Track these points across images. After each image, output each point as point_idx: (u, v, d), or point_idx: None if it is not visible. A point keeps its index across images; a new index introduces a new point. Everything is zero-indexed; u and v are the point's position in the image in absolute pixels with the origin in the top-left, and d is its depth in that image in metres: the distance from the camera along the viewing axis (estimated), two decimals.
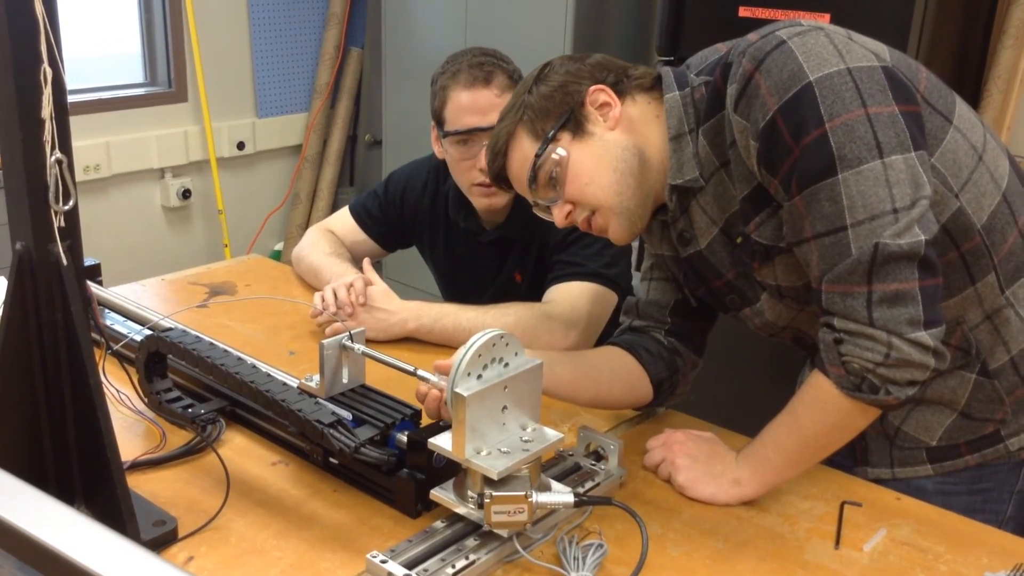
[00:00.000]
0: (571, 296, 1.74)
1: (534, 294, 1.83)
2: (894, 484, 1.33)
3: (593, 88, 1.27)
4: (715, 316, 1.48)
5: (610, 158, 1.26)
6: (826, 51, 1.13)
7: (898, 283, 1.09)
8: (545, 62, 1.33)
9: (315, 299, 1.77)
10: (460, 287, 2.01)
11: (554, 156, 1.26)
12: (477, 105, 1.74)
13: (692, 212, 1.30)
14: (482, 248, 1.94)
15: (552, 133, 1.26)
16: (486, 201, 1.81)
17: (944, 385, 1.27)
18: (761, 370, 2.45)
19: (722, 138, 1.22)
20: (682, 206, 1.30)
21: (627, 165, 1.26)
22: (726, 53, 1.23)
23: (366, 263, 1.81)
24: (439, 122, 1.81)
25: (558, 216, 1.30)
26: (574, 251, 1.78)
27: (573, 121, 1.27)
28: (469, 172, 1.79)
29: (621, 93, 1.28)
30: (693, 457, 1.28)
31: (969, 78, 2.90)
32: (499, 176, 1.36)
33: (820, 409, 1.17)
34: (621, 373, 1.41)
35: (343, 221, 2.06)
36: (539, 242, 1.86)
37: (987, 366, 1.27)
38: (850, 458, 1.38)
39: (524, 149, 1.29)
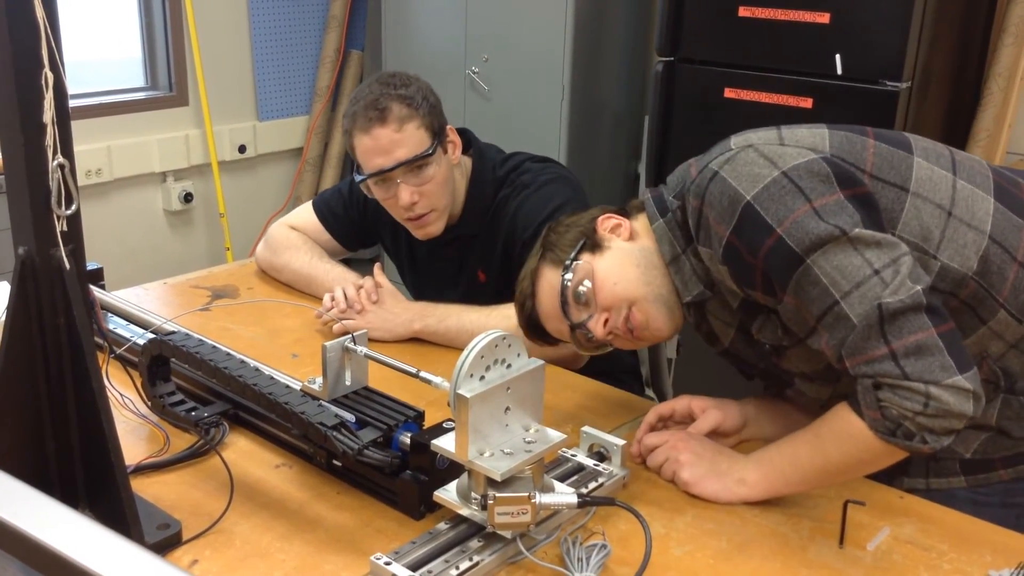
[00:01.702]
0: None
1: (501, 294, 1.79)
2: (927, 495, 1.32)
3: (602, 217, 1.38)
4: None
5: (632, 258, 1.34)
6: (755, 167, 1.19)
7: (915, 335, 1.10)
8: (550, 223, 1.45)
9: (324, 299, 1.79)
10: (424, 287, 1.98)
11: (580, 274, 1.32)
12: (380, 146, 1.72)
13: (709, 318, 1.37)
14: (442, 248, 1.91)
15: (573, 255, 1.34)
16: (422, 232, 1.82)
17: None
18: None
19: (702, 262, 1.30)
20: (699, 314, 1.36)
21: (649, 260, 1.33)
22: (689, 177, 1.31)
23: (377, 267, 1.83)
24: (356, 167, 1.80)
25: (596, 328, 1.33)
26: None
27: (590, 244, 1.35)
28: (396, 210, 1.79)
29: (626, 215, 1.39)
30: (698, 454, 1.29)
31: (969, 76, 2.90)
32: (530, 322, 1.41)
33: (849, 444, 1.17)
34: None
35: (305, 218, 2.05)
36: (504, 239, 1.84)
37: (1014, 384, 1.27)
38: (886, 469, 1.37)
39: (550, 280, 1.36)
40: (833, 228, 1.13)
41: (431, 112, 1.76)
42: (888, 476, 1.36)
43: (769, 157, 1.20)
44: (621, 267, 1.33)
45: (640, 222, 1.38)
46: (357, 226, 2.02)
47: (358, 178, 1.78)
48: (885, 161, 1.23)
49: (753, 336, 1.31)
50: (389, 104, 1.72)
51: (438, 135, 1.77)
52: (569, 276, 1.32)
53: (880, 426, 1.12)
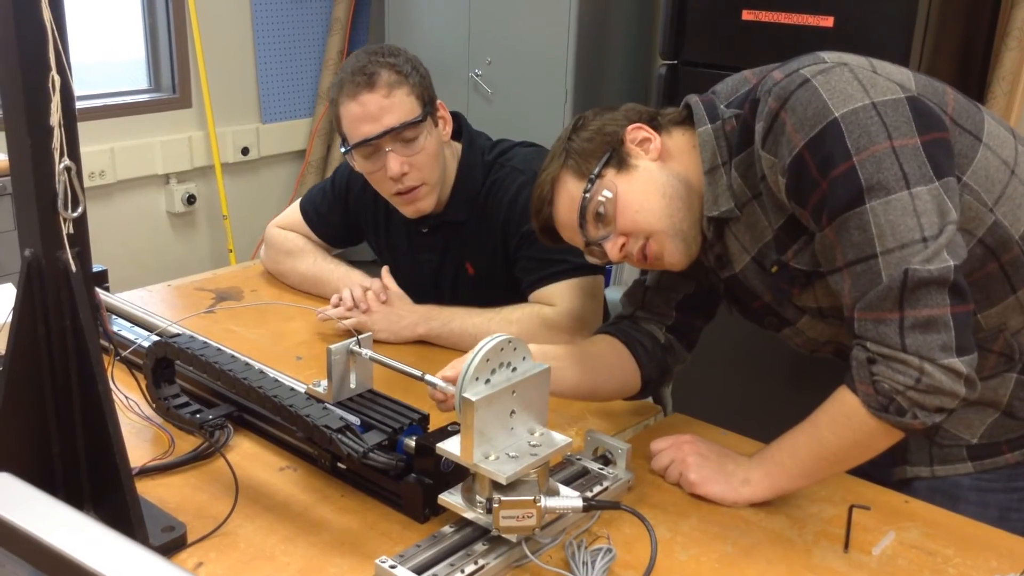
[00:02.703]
0: (565, 300, 1.70)
1: (492, 288, 1.79)
2: (932, 482, 1.33)
3: (631, 127, 1.31)
4: (714, 315, 1.50)
5: (657, 185, 1.28)
6: (850, 87, 1.14)
7: (930, 309, 1.09)
8: (579, 115, 1.37)
9: (332, 299, 1.78)
10: (407, 283, 1.85)
11: (602, 192, 1.27)
12: (367, 113, 1.65)
13: (727, 239, 1.33)
14: (425, 238, 1.85)
15: (597, 170, 1.28)
16: (412, 208, 1.75)
17: (987, 386, 1.27)
18: (772, 375, 2.45)
19: (753, 171, 1.24)
20: (717, 233, 1.32)
21: (674, 190, 1.28)
22: (754, 87, 1.25)
23: (385, 269, 1.81)
24: (343, 139, 1.73)
25: (612, 251, 1.30)
26: (543, 246, 1.68)
27: (616, 158, 1.29)
28: (384, 183, 1.73)
29: (657, 128, 1.32)
30: (704, 456, 1.29)
31: (973, 80, 2.90)
32: (546, 227, 1.36)
33: (843, 424, 1.17)
34: (616, 371, 1.43)
35: (293, 219, 2.03)
36: (500, 228, 1.78)
37: None
38: (889, 457, 1.37)
39: (571, 191, 1.30)
40: (901, 177, 1.11)
41: (421, 82, 1.70)
42: (892, 464, 1.37)
43: (863, 82, 1.15)
44: (645, 194, 1.27)
45: (673, 138, 1.31)
46: (341, 223, 1.98)
47: (343, 149, 1.72)
48: (963, 108, 1.23)
49: (770, 270, 1.29)
50: (378, 70, 1.66)
51: (428, 105, 1.71)
52: (590, 192, 1.28)
53: (872, 401, 1.13)
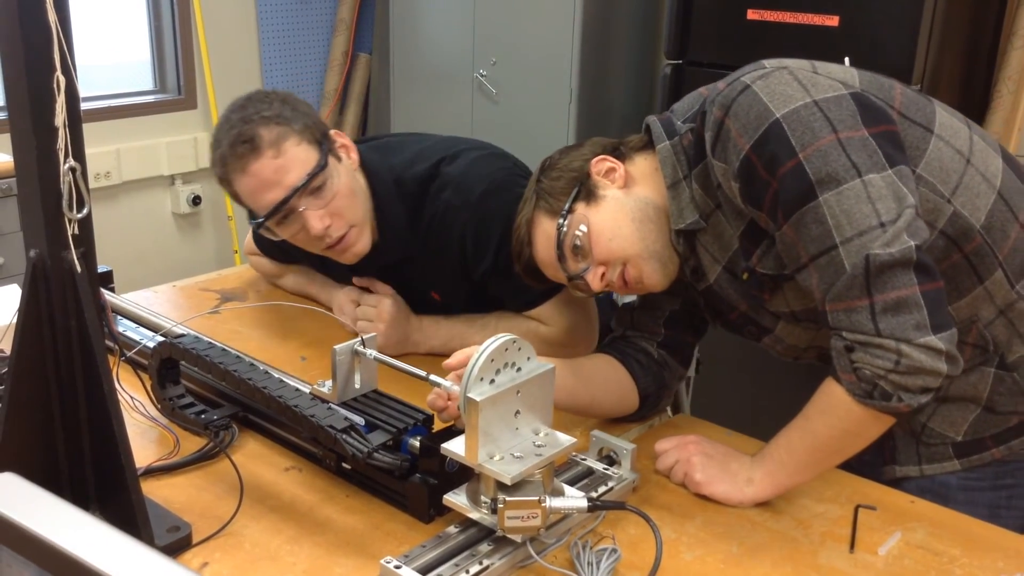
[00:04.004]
0: (557, 317, 1.65)
1: (463, 308, 1.72)
2: (921, 482, 1.33)
3: (595, 160, 1.34)
4: (705, 330, 1.51)
5: (626, 211, 1.31)
6: (790, 88, 1.17)
7: (898, 291, 1.10)
8: (545, 158, 1.41)
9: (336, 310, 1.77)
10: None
11: (576, 226, 1.30)
12: (264, 181, 1.50)
13: (698, 251, 1.35)
14: (377, 274, 1.73)
15: (568, 206, 1.32)
16: (350, 255, 1.60)
17: (966, 381, 1.28)
18: (773, 376, 2.45)
19: (710, 181, 1.27)
20: (689, 246, 1.34)
21: (643, 213, 1.31)
22: (704, 101, 1.28)
23: (379, 286, 1.72)
24: (253, 217, 1.57)
25: (594, 282, 1.32)
26: (508, 275, 1.60)
27: (584, 191, 1.33)
28: (310, 243, 1.58)
29: (620, 157, 1.36)
30: (709, 455, 1.29)
31: (979, 79, 2.89)
32: (528, 268, 1.40)
33: (833, 415, 1.17)
34: (613, 385, 1.43)
35: (250, 246, 1.97)
36: (455, 264, 1.64)
37: (1005, 359, 1.28)
38: (879, 456, 1.38)
39: (546, 230, 1.34)
40: (851, 167, 1.12)
41: (306, 120, 1.54)
42: (880, 464, 1.37)
43: (803, 82, 1.18)
44: (615, 221, 1.31)
45: (637, 165, 1.35)
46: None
47: (253, 222, 1.56)
48: (911, 101, 1.24)
49: (741, 277, 1.30)
50: (255, 131, 1.50)
51: (323, 143, 1.55)
52: (564, 228, 1.31)
53: (857, 389, 1.13)
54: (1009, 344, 1.27)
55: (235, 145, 1.50)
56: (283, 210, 1.51)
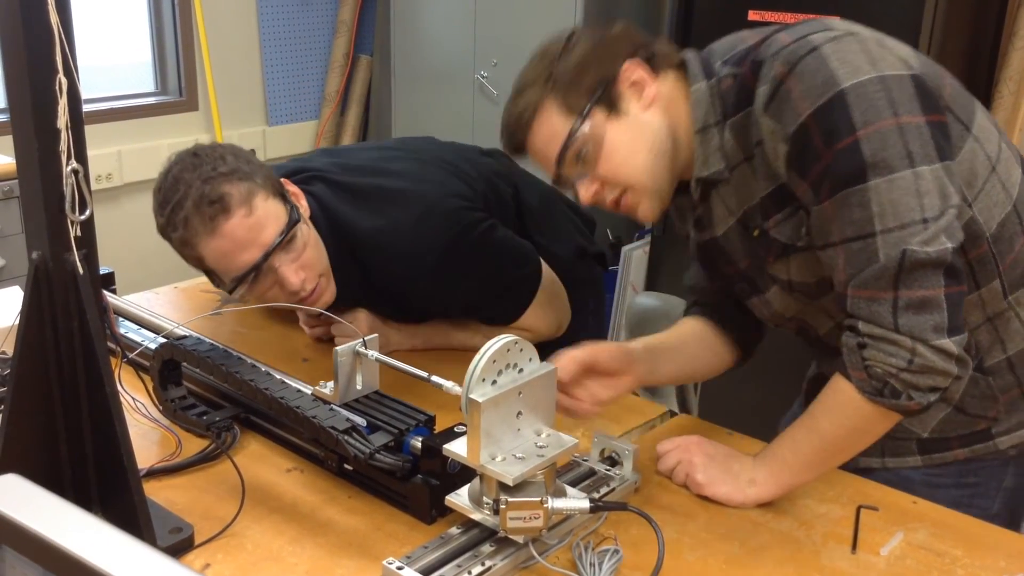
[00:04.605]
0: (538, 319, 1.68)
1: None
2: (883, 474, 1.34)
3: (628, 64, 1.23)
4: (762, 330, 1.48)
5: (646, 138, 1.23)
6: (858, 58, 1.12)
7: (924, 290, 1.09)
8: (568, 32, 1.29)
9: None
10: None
11: (589, 134, 1.21)
12: (238, 241, 1.42)
13: (711, 200, 1.29)
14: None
15: (587, 109, 1.21)
16: (322, 303, 1.55)
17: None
18: (780, 378, 2.44)
19: (748, 134, 1.20)
20: (703, 194, 1.29)
21: (661, 146, 1.23)
22: (755, 47, 1.20)
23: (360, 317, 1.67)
24: (215, 279, 1.51)
25: (585, 194, 1.25)
26: (482, 305, 1.65)
27: (607, 98, 1.22)
28: (283, 297, 1.52)
29: (654, 70, 1.25)
30: (711, 456, 1.28)
31: (980, 80, 2.89)
32: (516, 147, 1.29)
33: (840, 413, 1.17)
34: (709, 353, 1.43)
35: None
36: (403, 302, 1.64)
37: (983, 363, 1.27)
38: None
39: (554, 124, 1.23)
40: (906, 156, 1.09)
41: (264, 174, 1.47)
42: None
43: (871, 54, 1.12)
44: (632, 146, 1.22)
45: (667, 84, 1.25)
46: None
47: (229, 288, 1.48)
48: (958, 95, 1.21)
49: (752, 233, 1.26)
50: (222, 190, 1.40)
51: (283, 194, 1.49)
52: (577, 132, 1.21)
53: (867, 386, 1.13)
54: (990, 349, 1.26)
55: (200, 206, 1.40)
56: (260, 270, 1.45)
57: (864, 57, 1.12)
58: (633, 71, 1.23)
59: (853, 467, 1.35)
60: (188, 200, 1.40)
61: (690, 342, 1.43)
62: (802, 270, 1.25)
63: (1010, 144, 1.27)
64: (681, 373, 1.44)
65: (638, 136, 1.23)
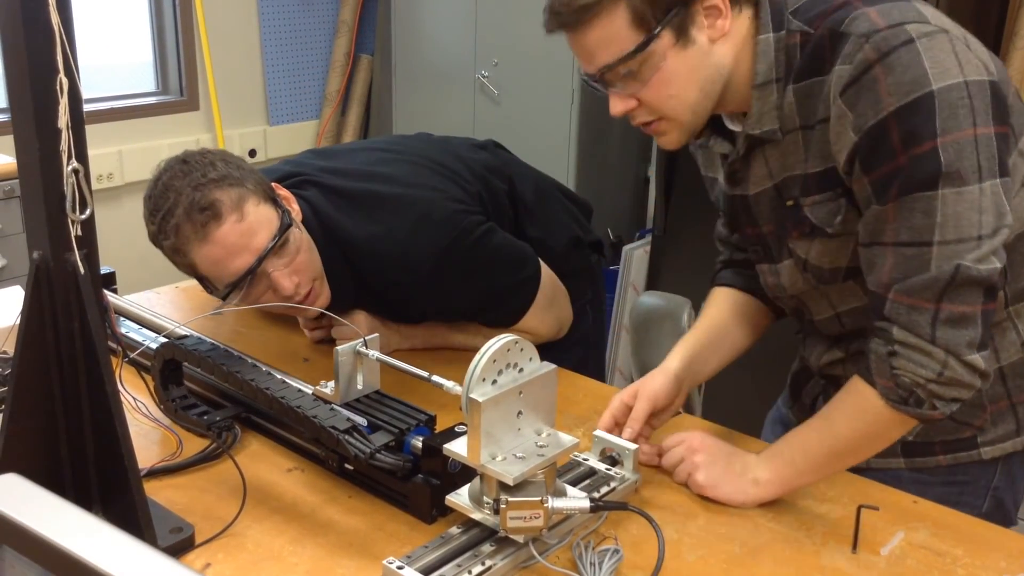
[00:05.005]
0: (538, 321, 1.68)
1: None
2: (869, 473, 1.33)
3: None
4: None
5: (702, 76, 1.17)
6: (949, 59, 1.08)
7: (965, 306, 1.09)
8: None
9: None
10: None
11: (650, 55, 1.13)
12: (230, 248, 1.41)
13: (752, 157, 1.25)
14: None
15: (659, 29, 1.12)
16: (319, 303, 1.55)
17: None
18: (779, 378, 2.44)
19: (813, 104, 1.15)
20: (750, 148, 1.24)
21: (714, 87, 1.18)
22: (834, 9, 1.14)
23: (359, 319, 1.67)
24: (208, 286, 1.50)
25: (618, 106, 1.19)
26: (481, 310, 1.65)
27: (680, 20, 1.13)
28: (277, 301, 1.52)
29: (734, 1, 1.16)
30: (713, 456, 1.27)
31: None
32: (560, 27, 1.17)
33: (859, 418, 1.16)
34: (746, 327, 1.43)
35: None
36: (410, 316, 1.67)
37: None
38: None
39: (619, 31, 1.13)
40: (977, 169, 1.07)
41: (255, 179, 1.47)
42: None
43: (959, 56, 1.08)
44: (687, 80, 1.16)
45: (741, 20, 1.17)
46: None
47: (222, 294, 1.46)
48: (1018, 106, 1.16)
49: (786, 203, 1.23)
50: (213, 196, 1.40)
51: (274, 198, 1.49)
52: (641, 50, 1.12)
53: (892, 394, 1.12)
54: None
55: (191, 213, 1.39)
56: (254, 275, 1.44)
57: (954, 59, 1.08)
58: None
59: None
60: (179, 207, 1.40)
61: (728, 327, 1.43)
62: (821, 255, 1.24)
63: None
64: (722, 364, 1.42)
65: (696, 70, 1.16)
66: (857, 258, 1.21)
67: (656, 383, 1.34)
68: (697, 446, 1.29)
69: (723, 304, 1.45)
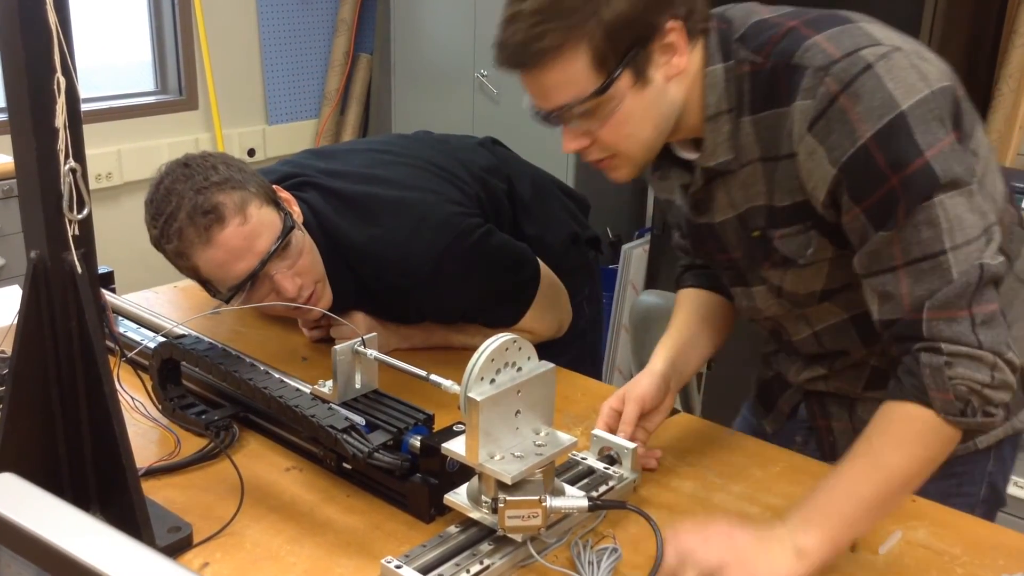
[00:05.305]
0: (537, 321, 1.68)
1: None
2: None
3: (671, 24, 1.10)
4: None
5: (657, 114, 1.15)
6: (910, 75, 1.07)
7: (990, 304, 1.07)
8: None
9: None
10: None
11: (609, 99, 1.11)
12: (233, 251, 1.41)
13: (714, 187, 1.24)
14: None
15: (619, 72, 1.09)
16: (322, 305, 1.55)
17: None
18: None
19: (774, 137, 1.14)
20: (709, 178, 1.23)
21: (668, 123, 1.16)
22: (779, 38, 1.13)
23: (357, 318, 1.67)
24: (211, 289, 1.50)
25: (572, 144, 1.16)
26: (480, 311, 1.66)
27: (638, 61, 1.10)
28: (277, 308, 1.53)
29: (689, 35, 1.13)
30: (731, 549, 1.04)
31: (980, 77, 2.89)
32: (513, 68, 1.13)
33: (916, 442, 1.07)
34: (719, 321, 1.43)
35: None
36: (410, 318, 1.67)
37: None
38: (818, 452, 1.40)
39: (577, 74, 1.09)
40: (967, 173, 1.06)
41: (257, 181, 1.47)
42: (820, 459, 1.38)
43: (920, 70, 1.08)
44: (642, 119, 1.13)
45: (694, 54, 1.15)
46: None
47: (225, 297, 1.47)
48: (968, 105, 1.15)
49: (751, 233, 1.22)
50: (216, 199, 1.39)
51: (276, 201, 1.49)
52: (601, 92, 1.09)
53: (951, 408, 1.05)
54: None
55: (194, 216, 1.39)
56: (256, 278, 1.45)
57: (915, 73, 1.08)
58: (674, 34, 1.11)
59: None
60: (181, 211, 1.40)
61: (701, 325, 1.42)
62: (796, 282, 1.24)
63: (995, 156, 1.24)
64: (702, 361, 1.42)
65: (652, 109, 1.14)
66: (833, 279, 1.21)
67: (642, 385, 1.34)
68: (700, 555, 1.04)
69: (693, 304, 1.45)
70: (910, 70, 1.08)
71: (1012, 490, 2.65)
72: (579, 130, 1.15)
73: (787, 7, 1.20)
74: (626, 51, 1.09)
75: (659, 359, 1.38)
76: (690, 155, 1.24)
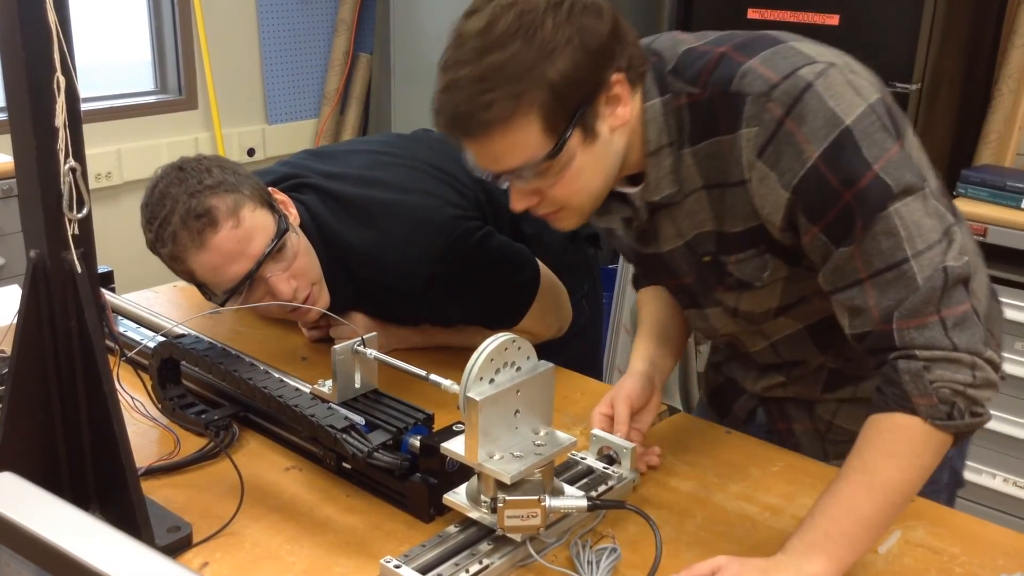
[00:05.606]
0: (537, 320, 1.67)
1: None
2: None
3: (616, 77, 1.10)
4: None
5: (605, 165, 1.14)
6: (847, 91, 1.08)
7: (961, 306, 1.06)
8: (540, 4, 1.06)
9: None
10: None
11: (560, 160, 1.10)
12: (227, 254, 1.41)
13: (659, 219, 1.24)
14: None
15: (569, 133, 1.08)
16: (313, 313, 1.55)
17: (873, 383, 1.20)
18: None
19: (719, 165, 1.14)
20: (653, 210, 1.23)
21: (615, 172, 1.16)
22: (710, 67, 1.13)
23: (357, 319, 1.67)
24: (207, 292, 1.50)
25: (522, 204, 1.15)
26: (479, 313, 1.65)
27: (585, 119, 1.09)
28: (274, 309, 1.53)
29: (631, 84, 1.12)
30: None
31: (979, 78, 2.89)
32: (460, 135, 1.10)
33: (909, 452, 1.06)
34: (683, 320, 1.44)
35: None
36: (400, 300, 1.64)
37: None
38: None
39: (527, 139, 1.07)
40: (918, 178, 1.07)
41: (251, 184, 1.47)
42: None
43: (853, 84, 1.09)
44: (592, 174, 1.12)
45: (636, 99, 1.14)
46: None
47: (220, 300, 1.46)
48: (897, 109, 1.14)
49: (702, 258, 1.22)
50: (209, 203, 1.40)
51: (271, 203, 1.49)
52: (553, 155, 1.08)
53: (937, 412, 1.04)
54: None
55: (188, 220, 1.39)
56: (252, 281, 1.45)
57: (850, 89, 1.09)
58: (619, 86, 1.11)
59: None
60: (175, 215, 1.40)
61: (669, 322, 1.43)
62: (751, 302, 1.25)
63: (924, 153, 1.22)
64: (678, 356, 1.44)
65: (601, 162, 1.13)
66: (788, 295, 1.22)
67: (627, 385, 1.34)
68: None
69: (656, 302, 1.46)
70: (846, 86, 1.09)
71: (1012, 490, 2.66)
72: (528, 189, 1.14)
73: (710, 32, 1.21)
74: (575, 110, 1.07)
75: (638, 358, 1.40)
76: (629, 190, 1.22)
